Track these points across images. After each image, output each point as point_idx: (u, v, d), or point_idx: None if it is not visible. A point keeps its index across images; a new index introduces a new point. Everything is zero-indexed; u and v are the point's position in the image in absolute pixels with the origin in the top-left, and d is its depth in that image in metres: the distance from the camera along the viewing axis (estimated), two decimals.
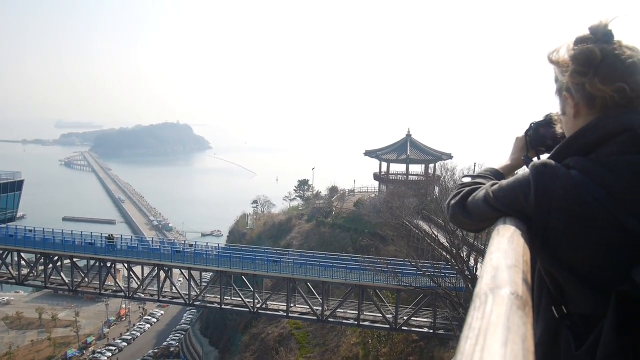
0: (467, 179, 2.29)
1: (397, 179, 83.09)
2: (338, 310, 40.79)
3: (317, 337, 57.80)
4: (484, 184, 2.13)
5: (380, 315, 38.76)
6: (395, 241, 42.93)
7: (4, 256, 50.53)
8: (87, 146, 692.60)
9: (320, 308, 40.67)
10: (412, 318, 38.44)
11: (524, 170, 2.05)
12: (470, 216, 2.06)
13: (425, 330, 38.33)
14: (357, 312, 39.84)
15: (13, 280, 51.48)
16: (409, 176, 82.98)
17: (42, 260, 49.36)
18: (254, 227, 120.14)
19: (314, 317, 41.44)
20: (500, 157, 2.62)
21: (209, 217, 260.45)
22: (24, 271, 50.91)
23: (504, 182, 1.98)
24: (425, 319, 39.07)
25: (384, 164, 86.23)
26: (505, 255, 1.27)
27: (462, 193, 2.14)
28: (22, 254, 50.44)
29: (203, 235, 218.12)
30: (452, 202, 2.15)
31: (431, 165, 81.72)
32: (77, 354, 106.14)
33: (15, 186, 61.28)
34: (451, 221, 2.32)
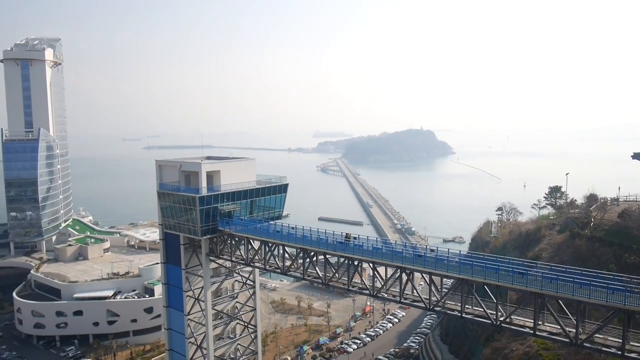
0: None
1: None
2: (596, 335, 36.01)
3: None
4: None
5: None
6: None
7: (272, 249, 58.90)
8: (339, 153, 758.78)
9: (574, 330, 36.51)
10: None
11: None
12: None
13: None
14: (621, 340, 34.55)
15: (279, 270, 59.52)
16: None
17: (301, 254, 55.93)
18: (499, 235, 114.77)
19: (566, 340, 37.36)
20: None
21: (451, 222, 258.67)
22: (287, 263, 58.35)
23: None
24: None
25: None
26: None
27: None
28: (286, 248, 57.92)
29: (445, 241, 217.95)
30: None
31: None
32: (327, 342, 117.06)
33: (282, 189, 70.83)
34: None
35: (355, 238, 52.51)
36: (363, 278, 52.31)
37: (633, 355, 34.26)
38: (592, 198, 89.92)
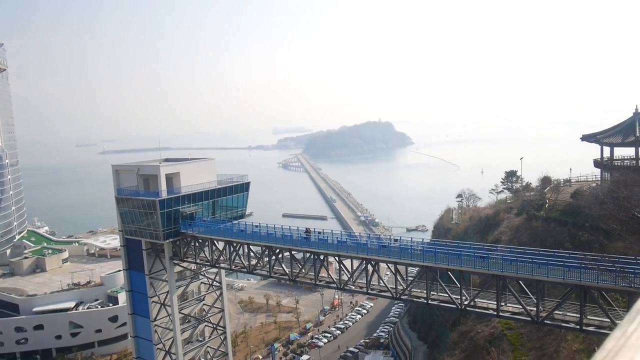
0: None
1: (625, 165, 72.89)
2: (556, 312, 37.40)
3: (532, 340, 53.91)
4: None
5: (609, 320, 34.39)
6: (623, 236, 37.71)
7: (237, 248, 58.49)
8: (300, 149, 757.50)
9: (534, 309, 37.82)
10: None
11: None
12: None
13: None
14: (578, 315, 36.01)
15: (245, 270, 59.24)
16: None
17: (267, 252, 55.79)
18: (460, 221, 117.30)
19: (528, 318, 38.71)
20: None
21: (413, 212, 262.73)
22: (253, 262, 58.08)
23: None
24: None
25: (607, 149, 76.29)
26: None
27: None
28: (251, 246, 57.63)
29: (408, 230, 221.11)
30: None
31: None
32: (298, 338, 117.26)
33: (244, 187, 70.33)
34: None
35: (319, 232, 52.73)
36: (330, 272, 52.61)
37: (590, 328, 35.81)
38: (545, 180, 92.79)
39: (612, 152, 76.12)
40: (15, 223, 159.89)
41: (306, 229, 53.55)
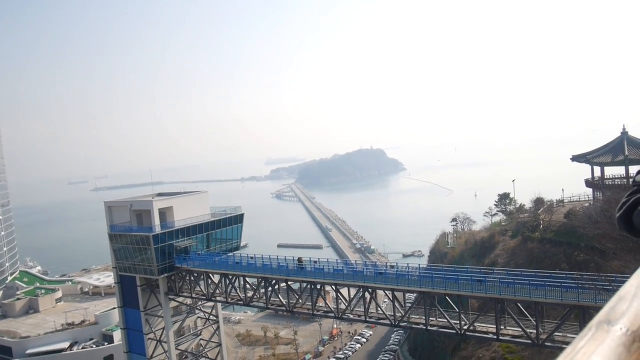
0: None
1: (615, 184, 73.58)
2: (556, 333, 37.18)
3: None
4: None
5: None
6: (618, 255, 37.81)
7: (233, 281, 57.98)
8: (293, 178, 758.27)
9: (534, 331, 37.59)
10: None
11: None
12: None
13: None
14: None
15: (241, 302, 58.68)
16: (630, 179, 72.72)
17: (263, 283, 55.35)
18: (455, 245, 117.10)
19: (528, 341, 38.41)
20: None
21: (409, 237, 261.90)
22: (249, 294, 57.54)
23: None
24: None
25: (597, 169, 77.05)
26: None
27: (628, 203, 1.56)
28: (247, 278, 57.19)
29: (404, 256, 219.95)
30: (617, 214, 1.65)
31: None
32: None
33: (238, 219, 70.16)
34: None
35: (315, 262, 52.51)
36: (327, 301, 52.16)
37: None
38: (539, 201, 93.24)
39: (602, 171, 76.89)
40: (7, 264, 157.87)
41: (298, 258, 53.44)
